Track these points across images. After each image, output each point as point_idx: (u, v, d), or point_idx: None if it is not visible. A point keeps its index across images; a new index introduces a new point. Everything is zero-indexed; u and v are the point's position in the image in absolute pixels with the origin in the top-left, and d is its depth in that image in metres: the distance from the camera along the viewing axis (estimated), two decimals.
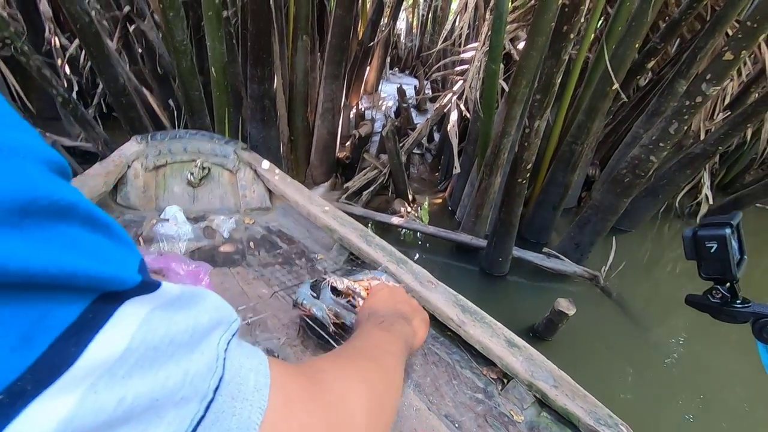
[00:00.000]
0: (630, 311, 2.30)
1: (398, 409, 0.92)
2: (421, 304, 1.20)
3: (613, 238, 2.45)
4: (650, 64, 2.49)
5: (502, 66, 2.53)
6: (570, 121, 2.64)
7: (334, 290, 1.02)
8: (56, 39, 3.18)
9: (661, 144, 1.92)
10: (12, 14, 3.05)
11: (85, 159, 2.89)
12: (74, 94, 3.21)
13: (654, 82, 3.14)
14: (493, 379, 1.06)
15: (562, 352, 1.87)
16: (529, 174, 1.91)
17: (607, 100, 2.18)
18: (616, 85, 2.09)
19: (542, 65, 1.70)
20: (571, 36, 1.52)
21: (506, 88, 2.37)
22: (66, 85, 3.31)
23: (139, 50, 3.07)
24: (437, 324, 1.21)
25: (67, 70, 3.43)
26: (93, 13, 2.83)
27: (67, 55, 3.28)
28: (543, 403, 0.97)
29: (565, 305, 1.62)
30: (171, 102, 3.12)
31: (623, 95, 2.22)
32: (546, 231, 2.81)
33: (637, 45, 2.09)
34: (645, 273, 2.91)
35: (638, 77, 2.62)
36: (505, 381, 1.04)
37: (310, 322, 1.01)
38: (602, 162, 3.54)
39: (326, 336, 0.98)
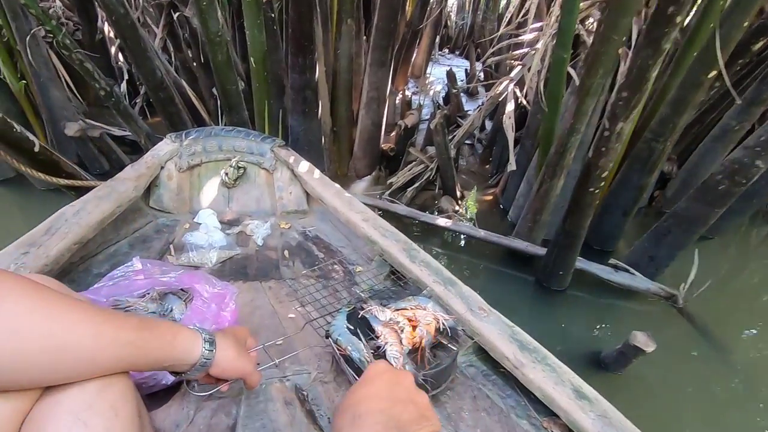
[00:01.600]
0: (714, 338, 1.97)
1: None
2: (471, 336, 1.04)
3: (696, 250, 2.11)
4: (757, 45, 2.08)
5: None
6: (649, 114, 2.28)
7: (369, 327, 0.90)
8: (108, 27, 3.22)
9: None
10: (68, 6, 3.11)
11: (134, 149, 2.93)
12: (124, 84, 3.26)
13: (754, 64, 2.66)
14: None
15: (631, 387, 1.62)
16: (603, 183, 1.64)
17: (701, 90, 1.83)
18: (719, 73, 1.73)
19: (636, 56, 1.40)
20: (677, 20, 1.22)
21: (574, 77, 2.07)
22: (118, 73, 3.37)
23: (184, 36, 3.04)
24: (488, 359, 1.04)
25: (120, 58, 3.49)
26: (140, 0, 2.82)
27: (118, 42, 3.32)
28: None
29: (642, 341, 1.37)
30: (215, 90, 3.08)
31: (727, 81, 1.82)
32: (613, 238, 2.49)
33: (745, 23, 1.72)
34: (731, 289, 2.51)
35: (740, 60, 2.20)
36: None
37: (344, 360, 0.88)
38: (680, 156, 3.11)
39: None
